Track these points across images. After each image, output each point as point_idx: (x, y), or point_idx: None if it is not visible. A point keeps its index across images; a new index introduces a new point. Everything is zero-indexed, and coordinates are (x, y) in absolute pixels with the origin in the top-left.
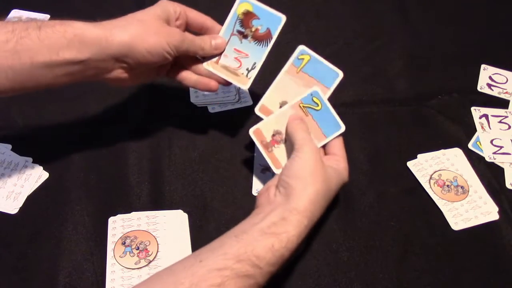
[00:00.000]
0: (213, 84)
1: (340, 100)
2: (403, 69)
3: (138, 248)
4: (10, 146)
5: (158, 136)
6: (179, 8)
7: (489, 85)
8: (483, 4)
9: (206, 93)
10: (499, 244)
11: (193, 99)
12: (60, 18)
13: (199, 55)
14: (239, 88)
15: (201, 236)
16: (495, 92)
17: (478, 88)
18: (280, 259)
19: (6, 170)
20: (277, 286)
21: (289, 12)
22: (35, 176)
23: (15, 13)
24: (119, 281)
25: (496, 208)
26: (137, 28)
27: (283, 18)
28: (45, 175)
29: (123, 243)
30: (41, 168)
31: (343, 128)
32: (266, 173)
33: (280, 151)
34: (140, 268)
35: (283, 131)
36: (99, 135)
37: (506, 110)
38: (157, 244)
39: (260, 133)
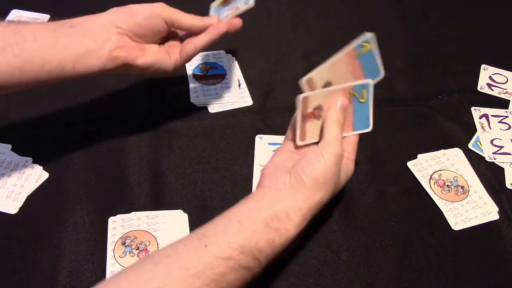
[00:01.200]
0: (224, 25)
1: None
2: (403, 69)
3: (138, 248)
4: (10, 146)
5: (158, 136)
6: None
7: (489, 85)
8: (483, 4)
9: (206, 93)
10: (499, 244)
11: (193, 99)
12: (60, 18)
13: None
14: (239, 86)
15: None
16: (495, 92)
17: (478, 88)
18: (276, 254)
19: (6, 170)
20: (277, 286)
21: (289, 12)
22: (35, 176)
23: (15, 13)
24: None
25: (496, 208)
26: (126, 10)
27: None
28: (45, 175)
29: (123, 243)
30: (41, 168)
31: (371, 128)
32: None
33: (312, 125)
34: None
35: (325, 108)
36: (99, 135)
37: (506, 110)
38: (157, 244)
39: (307, 100)
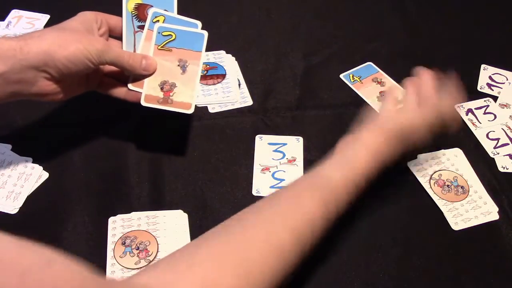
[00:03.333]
0: (134, 96)
1: (340, 100)
2: (403, 69)
3: (138, 248)
4: (10, 146)
5: (158, 136)
6: (100, 16)
7: (489, 85)
8: (483, 4)
9: (206, 93)
10: (499, 244)
11: None
12: (60, 18)
13: (126, 72)
14: (239, 86)
15: None
16: (495, 92)
17: (478, 88)
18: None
19: (6, 170)
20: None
21: (289, 12)
22: (35, 176)
23: (15, 13)
24: None
25: (496, 208)
26: (56, 36)
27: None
28: (45, 175)
29: (123, 243)
30: (41, 168)
31: (205, 33)
32: (266, 173)
33: (179, 94)
34: (140, 268)
35: (168, 78)
36: (99, 135)
37: (484, 99)
38: (157, 244)
39: (151, 97)
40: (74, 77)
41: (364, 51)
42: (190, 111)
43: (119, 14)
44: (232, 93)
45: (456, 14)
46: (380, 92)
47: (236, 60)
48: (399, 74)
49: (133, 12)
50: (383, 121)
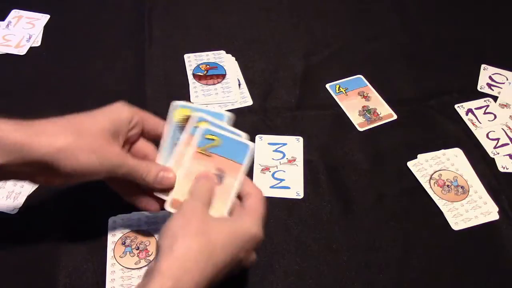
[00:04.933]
0: (154, 206)
1: None
2: (403, 69)
3: (138, 248)
4: None
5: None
6: (138, 116)
7: (489, 85)
8: (483, 4)
9: (206, 93)
10: (499, 244)
11: (193, 99)
12: (60, 18)
13: (139, 183)
14: (239, 86)
15: None
16: (495, 92)
17: (478, 88)
18: None
19: None
20: (277, 286)
21: (289, 12)
22: None
23: (15, 13)
24: (119, 281)
25: (496, 208)
26: (69, 139)
27: (225, 114)
28: None
29: (123, 243)
30: None
31: (251, 144)
32: (266, 172)
33: None
34: (140, 268)
35: None
36: None
37: (485, 99)
38: None
39: (178, 203)
40: (80, 179)
41: (364, 51)
42: None
43: (121, 13)
44: (232, 93)
45: (456, 14)
46: (363, 107)
47: (236, 60)
48: (399, 74)
49: (180, 123)
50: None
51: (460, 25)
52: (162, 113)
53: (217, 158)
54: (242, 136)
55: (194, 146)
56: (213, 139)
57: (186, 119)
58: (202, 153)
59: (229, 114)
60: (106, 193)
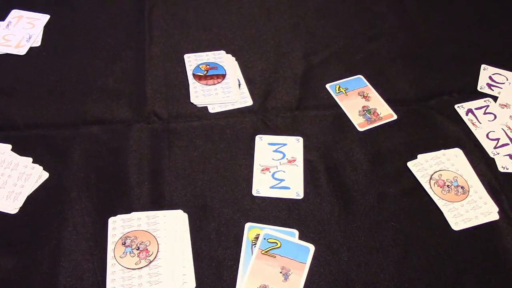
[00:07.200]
0: None
1: None
2: (403, 69)
3: (138, 248)
4: (10, 146)
5: (158, 136)
6: None
7: (489, 85)
8: (483, 4)
9: (206, 93)
10: (499, 244)
11: (193, 99)
12: (60, 18)
13: None
14: (239, 86)
15: (201, 236)
16: (495, 92)
17: (478, 88)
18: None
19: (6, 170)
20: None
21: (289, 12)
22: (35, 176)
23: (15, 13)
24: (119, 281)
25: (496, 208)
26: None
27: (311, 248)
28: (45, 175)
29: (123, 243)
30: (41, 168)
31: (312, 247)
32: (266, 173)
33: None
34: (141, 268)
35: (268, 283)
36: (99, 135)
37: (485, 99)
38: (157, 244)
39: None
40: None
41: (364, 51)
42: None
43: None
44: (232, 93)
45: (456, 14)
46: (363, 107)
47: (236, 60)
48: (399, 74)
49: (253, 241)
50: None
51: (460, 25)
52: (162, 113)
53: (280, 258)
54: (310, 251)
55: (257, 249)
56: (275, 242)
57: (257, 238)
58: (266, 254)
59: (296, 231)
60: (106, 193)
